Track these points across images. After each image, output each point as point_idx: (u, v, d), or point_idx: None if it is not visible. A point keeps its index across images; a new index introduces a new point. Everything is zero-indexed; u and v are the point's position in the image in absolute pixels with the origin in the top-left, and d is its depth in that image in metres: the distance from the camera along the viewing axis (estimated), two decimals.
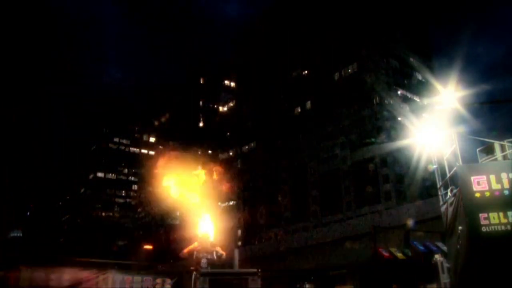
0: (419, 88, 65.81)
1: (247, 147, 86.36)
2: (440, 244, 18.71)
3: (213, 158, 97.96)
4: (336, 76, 69.62)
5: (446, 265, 10.19)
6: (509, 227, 7.03)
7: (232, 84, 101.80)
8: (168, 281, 12.69)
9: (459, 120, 9.78)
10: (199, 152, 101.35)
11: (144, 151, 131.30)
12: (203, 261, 7.24)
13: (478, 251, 7.06)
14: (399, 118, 59.35)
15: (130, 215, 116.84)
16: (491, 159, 8.51)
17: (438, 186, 9.52)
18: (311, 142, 70.05)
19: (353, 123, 64.80)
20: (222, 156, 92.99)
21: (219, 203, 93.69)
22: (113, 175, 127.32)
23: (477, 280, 7.07)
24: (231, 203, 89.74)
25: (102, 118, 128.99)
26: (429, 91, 58.05)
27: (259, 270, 9.97)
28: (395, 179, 57.97)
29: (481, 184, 7.40)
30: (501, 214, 7.12)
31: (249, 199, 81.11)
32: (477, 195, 7.37)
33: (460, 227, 7.61)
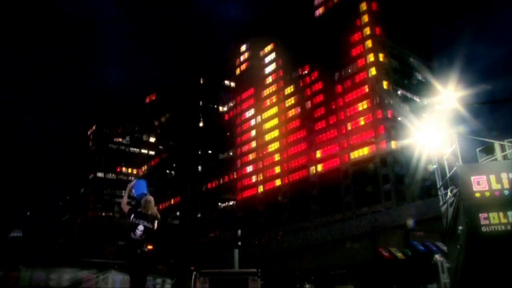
0: (419, 88, 65.78)
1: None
2: (440, 244, 18.73)
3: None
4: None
5: (446, 265, 10.16)
6: (509, 227, 7.02)
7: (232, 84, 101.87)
8: (168, 281, 12.67)
9: (459, 120, 9.76)
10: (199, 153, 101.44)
11: (144, 151, 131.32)
12: (140, 227, 6.34)
13: (478, 251, 7.04)
14: (399, 118, 59.34)
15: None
16: (491, 159, 8.50)
17: (438, 186, 9.50)
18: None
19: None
20: None
21: (219, 203, 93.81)
22: (113, 175, 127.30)
23: (477, 280, 7.06)
24: (231, 203, 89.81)
25: (102, 118, 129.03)
26: (429, 91, 57.97)
27: (259, 270, 9.96)
28: (395, 179, 57.91)
29: (481, 184, 7.39)
30: (501, 214, 7.11)
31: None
32: (477, 195, 7.35)
33: (460, 227, 7.60)
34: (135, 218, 6.41)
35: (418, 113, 51.94)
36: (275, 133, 79.26)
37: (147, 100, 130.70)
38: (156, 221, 6.58)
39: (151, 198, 6.66)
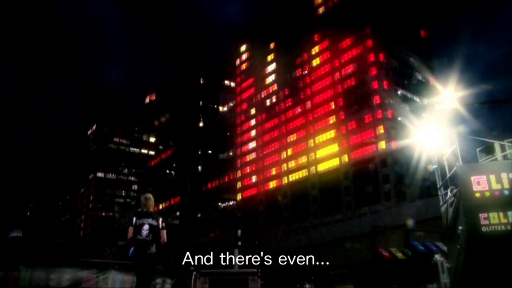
0: (419, 88, 65.75)
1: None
2: (440, 244, 18.71)
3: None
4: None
5: (446, 265, 10.15)
6: (509, 227, 7.01)
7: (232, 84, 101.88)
8: (168, 281, 12.66)
9: (459, 120, 9.75)
10: (199, 153, 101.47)
11: (144, 151, 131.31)
12: (145, 227, 6.13)
13: (478, 251, 7.03)
14: (399, 118, 59.33)
15: (130, 215, 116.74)
16: (491, 159, 8.49)
17: (438, 186, 9.49)
18: None
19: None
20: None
21: (219, 203, 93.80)
22: (113, 175, 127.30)
23: (477, 280, 7.05)
24: (231, 203, 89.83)
25: (102, 118, 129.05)
26: (429, 91, 57.99)
27: (259, 270, 9.97)
28: (395, 179, 57.91)
29: (481, 184, 7.37)
30: (501, 214, 7.09)
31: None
32: (477, 195, 7.34)
33: (460, 227, 7.58)
34: (138, 219, 6.25)
35: (418, 113, 51.89)
36: (275, 133, 79.20)
37: (147, 100, 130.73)
38: (160, 218, 6.45)
39: (150, 196, 6.55)
